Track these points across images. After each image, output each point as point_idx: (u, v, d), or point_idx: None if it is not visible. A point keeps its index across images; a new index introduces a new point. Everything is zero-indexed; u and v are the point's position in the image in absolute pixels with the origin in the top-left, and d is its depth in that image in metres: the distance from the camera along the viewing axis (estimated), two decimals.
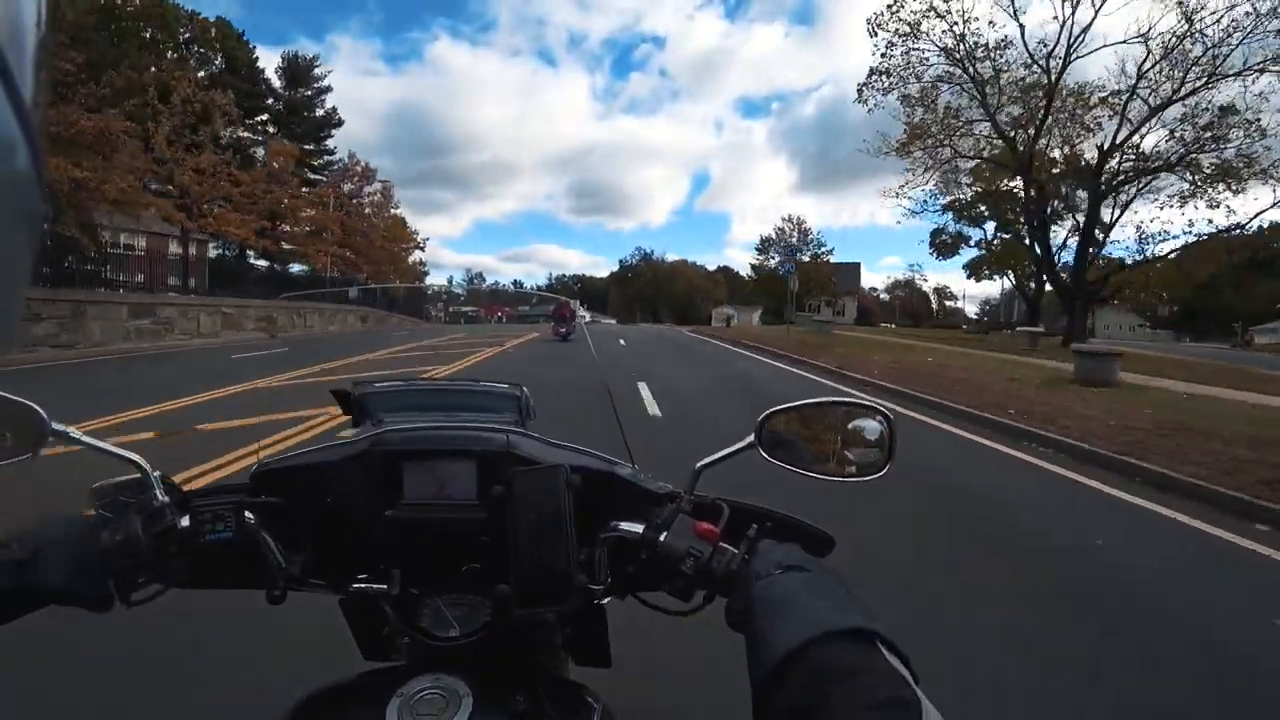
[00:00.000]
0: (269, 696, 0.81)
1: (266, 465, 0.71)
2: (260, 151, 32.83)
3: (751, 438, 0.67)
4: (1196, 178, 21.50)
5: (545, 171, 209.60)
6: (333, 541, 0.70)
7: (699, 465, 0.68)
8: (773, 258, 64.08)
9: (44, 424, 0.62)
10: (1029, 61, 22.49)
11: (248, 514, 0.64)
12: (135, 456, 0.65)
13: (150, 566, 0.61)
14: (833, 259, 66.41)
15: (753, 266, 71.75)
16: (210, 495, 0.66)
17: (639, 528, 0.65)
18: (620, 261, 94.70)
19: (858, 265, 72.26)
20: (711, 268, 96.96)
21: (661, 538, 0.63)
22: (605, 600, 0.75)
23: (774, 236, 68.74)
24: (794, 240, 65.61)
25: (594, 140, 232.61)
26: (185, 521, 0.63)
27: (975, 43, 22.52)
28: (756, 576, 0.55)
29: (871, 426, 0.67)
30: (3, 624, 0.54)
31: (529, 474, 0.64)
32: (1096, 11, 20.75)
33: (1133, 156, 22.74)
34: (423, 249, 53.04)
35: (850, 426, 0.68)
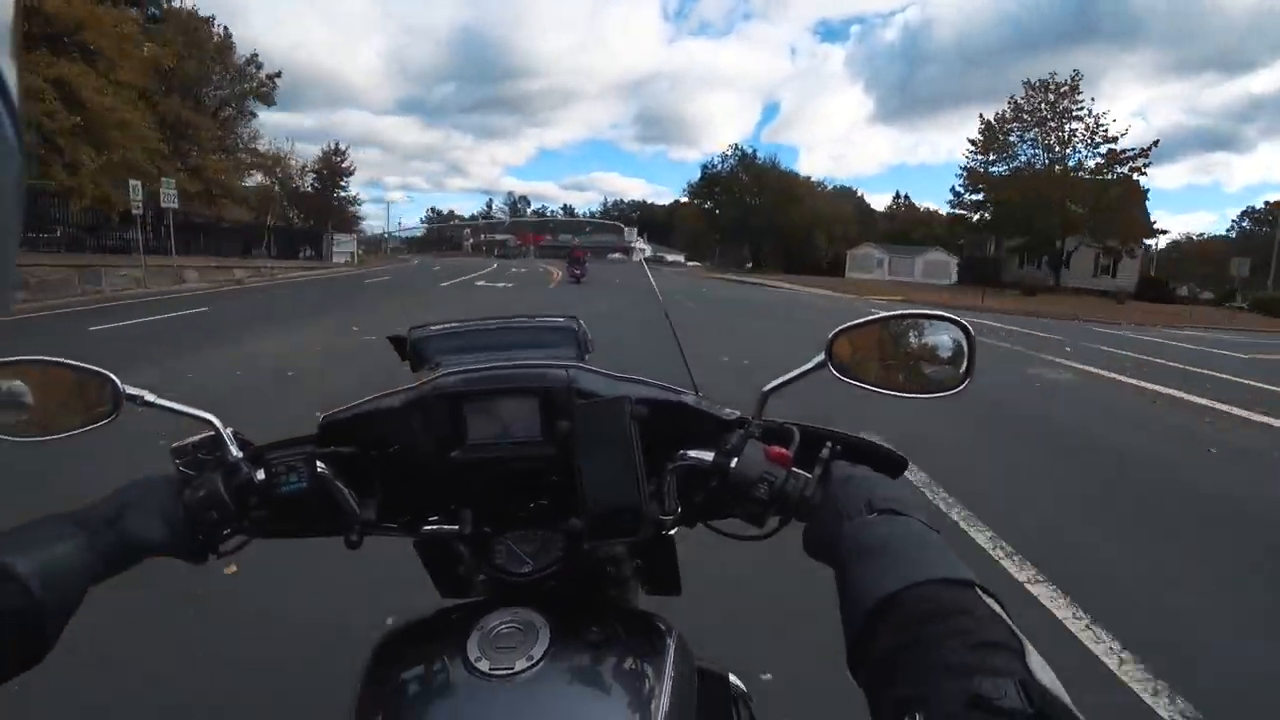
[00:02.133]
0: (354, 634, 0.85)
1: (333, 416, 0.72)
2: None
3: (821, 356, 0.64)
4: None
5: (610, 98, 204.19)
6: (403, 486, 0.71)
7: (766, 388, 0.65)
8: (1021, 152, 36.37)
9: (118, 390, 0.64)
10: None
11: (319, 464, 0.65)
12: (208, 415, 0.66)
13: (233, 519, 0.63)
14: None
15: (966, 182, 40.64)
16: (281, 448, 0.67)
17: (708, 455, 0.64)
18: (703, 168, 72.85)
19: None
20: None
21: (732, 464, 0.62)
22: (674, 530, 0.75)
23: (1007, 114, 37.79)
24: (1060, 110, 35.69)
25: (661, 65, 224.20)
26: (260, 475, 0.64)
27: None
28: (844, 514, 0.54)
29: (949, 338, 0.63)
30: (107, 578, 0.56)
31: (593, 407, 0.63)
32: None
33: None
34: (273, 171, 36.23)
35: (926, 340, 0.64)
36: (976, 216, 42.61)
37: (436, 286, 21.67)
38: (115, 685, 1.93)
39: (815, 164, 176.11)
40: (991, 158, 38.95)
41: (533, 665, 0.57)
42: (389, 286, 21.04)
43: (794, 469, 0.62)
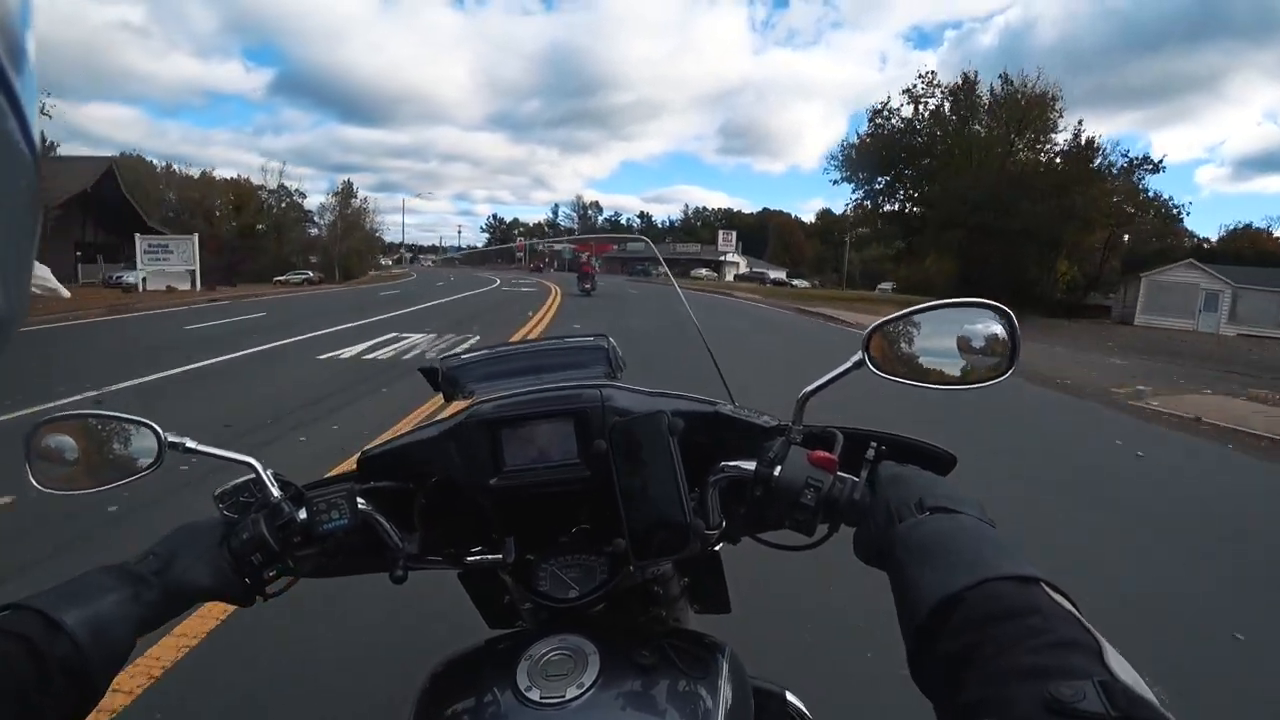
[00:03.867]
0: (404, 668, 0.84)
1: (370, 451, 0.72)
2: None
3: (859, 355, 0.62)
4: None
5: (694, 111, 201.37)
6: (444, 518, 0.71)
7: (804, 393, 0.63)
8: None
9: (161, 438, 0.65)
10: None
11: (360, 500, 0.65)
12: (249, 458, 0.67)
13: (278, 559, 0.64)
14: None
15: None
16: (322, 486, 0.68)
17: (750, 464, 0.62)
18: (875, 109, 37.63)
19: None
20: None
21: (776, 472, 0.60)
22: (719, 546, 0.73)
23: None
24: None
25: (746, 77, 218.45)
26: (302, 514, 0.65)
27: None
28: (896, 515, 0.51)
29: (990, 327, 0.61)
30: (155, 627, 0.57)
31: (629, 424, 0.62)
32: None
33: None
34: None
35: (965, 331, 0.62)
36: None
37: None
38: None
39: None
40: None
41: (584, 692, 0.56)
42: None
43: (840, 473, 0.60)
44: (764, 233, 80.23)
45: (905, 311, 0.62)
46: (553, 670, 0.59)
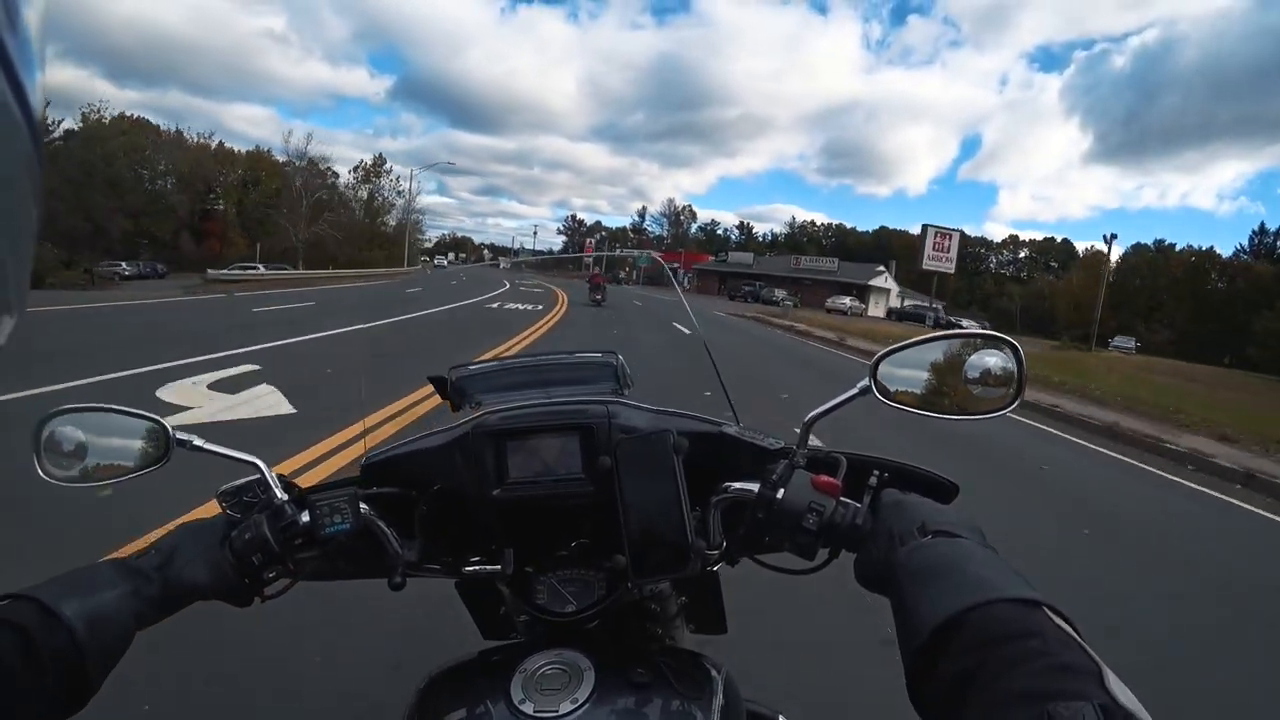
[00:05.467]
0: (397, 678, 0.83)
1: (374, 457, 0.73)
2: None
3: (865, 382, 0.62)
4: None
5: (798, 129, 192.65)
6: (444, 527, 0.71)
7: (809, 417, 0.64)
8: None
9: (169, 435, 0.66)
10: None
11: (362, 505, 0.66)
12: (254, 459, 0.67)
13: (278, 561, 0.64)
14: None
15: None
16: (325, 490, 0.68)
17: (753, 486, 0.62)
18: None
19: None
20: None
21: (779, 494, 0.60)
22: (717, 566, 0.73)
23: None
24: None
25: (856, 96, 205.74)
26: (305, 517, 0.65)
27: None
28: (897, 540, 0.51)
29: (996, 358, 0.61)
30: (154, 623, 0.57)
31: (634, 441, 0.62)
32: None
33: None
34: None
35: (972, 360, 0.62)
36: None
37: None
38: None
39: (1017, 205, 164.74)
40: None
41: (578, 708, 0.56)
42: None
43: (842, 498, 0.60)
44: (880, 254, 65.38)
45: (913, 340, 0.63)
46: (547, 684, 0.58)
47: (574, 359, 0.82)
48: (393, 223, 49.87)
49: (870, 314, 44.13)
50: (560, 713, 0.55)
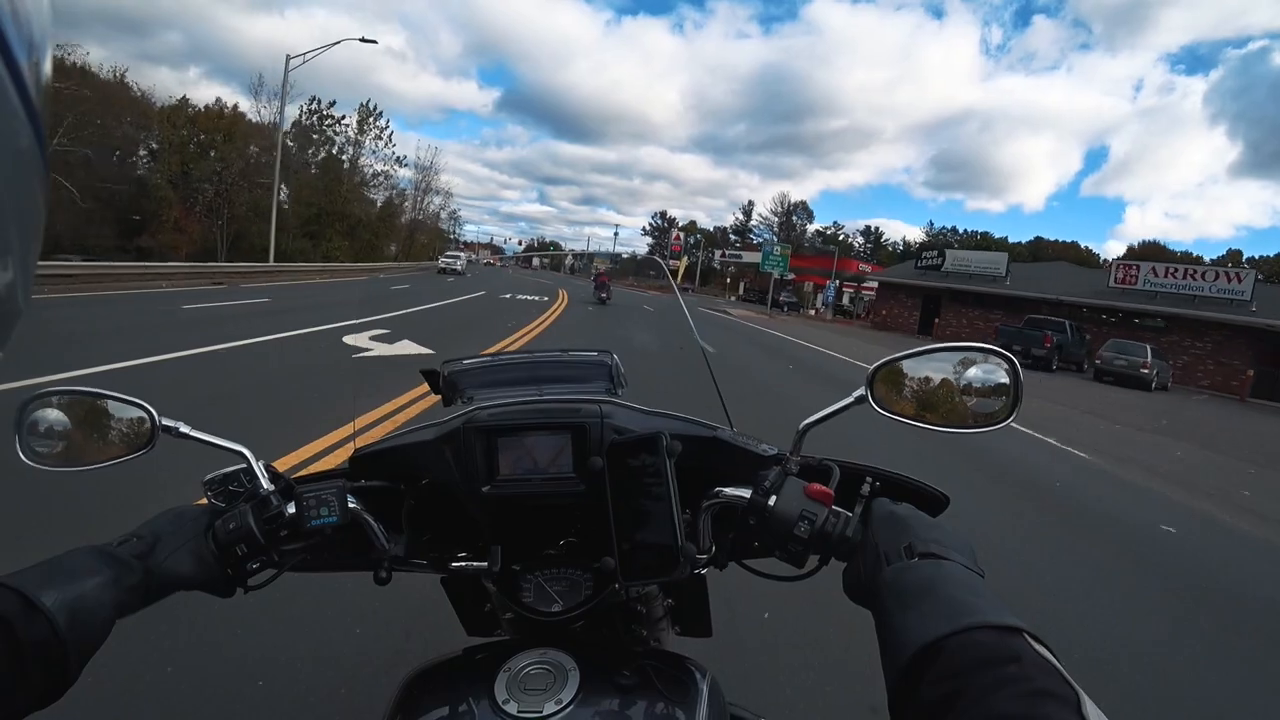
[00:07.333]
0: (379, 673, 0.83)
1: (364, 450, 0.72)
2: None
3: (861, 390, 0.62)
4: None
5: (906, 141, 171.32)
6: (432, 522, 0.71)
7: (804, 424, 0.63)
8: None
9: (155, 421, 0.65)
10: None
11: (350, 498, 0.65)
12: (241, 448, 0.66)
13: (263, 552, 0.63)
14: None
15: None
16: (313, 481, 0.67)
17: (745, 492, 0.62)
18: None
19: None
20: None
21: (771, 501, 0.60)
22: (705, 570, 0.73)
23: None
24: None
25: (970, 105, 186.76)
26: (291, 508, 0.64)
27: None
28: (885, 558, 0.52)
29: (993, 373, 0.61)
30: (134, 612, 0.56)
31: (627, 443, 0.62)
32: None
33: None
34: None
35: (969, 374, 0.62)
36: None
37: None
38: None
39: (1147, 223, 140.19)
40: None
41: (562, 709, 0.55)
42: None
43: (834, 507, 0.60)
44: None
45: (911, 352, 0.62)
46: (532, 684, 0.58)
47: (568, 357, 0.81)
48: (408, 209, 43.14)
49: None
50: (544, 713, 0.55)
